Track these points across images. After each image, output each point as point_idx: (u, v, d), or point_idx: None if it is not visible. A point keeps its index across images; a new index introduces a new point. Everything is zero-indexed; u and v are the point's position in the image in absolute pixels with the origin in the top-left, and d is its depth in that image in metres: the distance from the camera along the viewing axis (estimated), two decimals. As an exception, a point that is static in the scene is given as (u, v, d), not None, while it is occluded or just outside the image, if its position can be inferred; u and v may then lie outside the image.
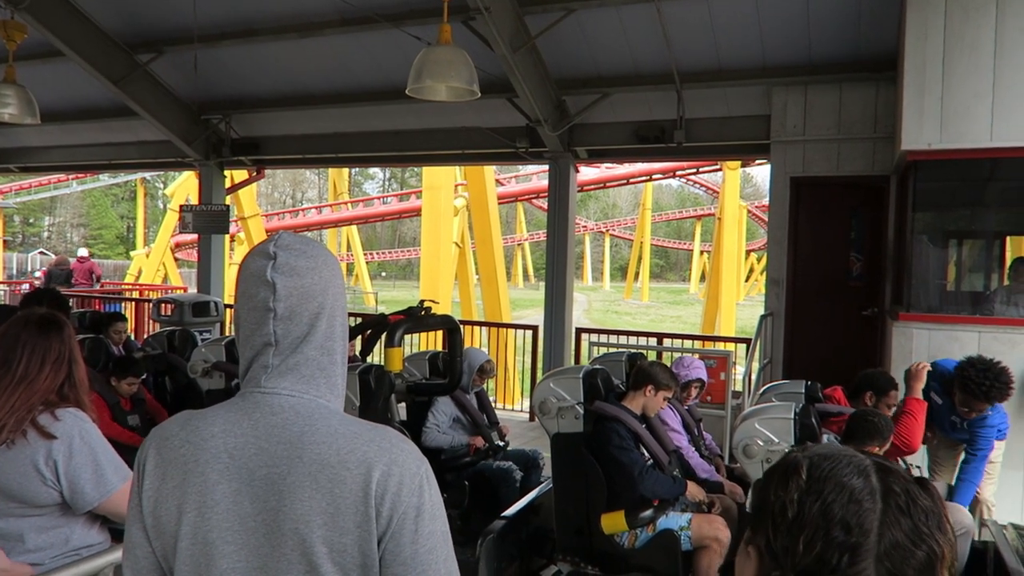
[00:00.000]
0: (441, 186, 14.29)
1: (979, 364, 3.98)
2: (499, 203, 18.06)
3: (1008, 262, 5.87)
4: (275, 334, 1.16)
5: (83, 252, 16.72)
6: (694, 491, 3.67)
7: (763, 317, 7.07)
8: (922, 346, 5.22)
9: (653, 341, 8.83)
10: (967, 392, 3.96)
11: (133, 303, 12.68)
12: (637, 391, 3.67)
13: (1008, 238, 6.17)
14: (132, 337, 9.11)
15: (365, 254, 40.98)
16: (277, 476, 1.09)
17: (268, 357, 1.16)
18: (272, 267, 1.16)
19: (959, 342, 5.11)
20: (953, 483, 4.28)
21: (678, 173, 25.71)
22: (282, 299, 1.16)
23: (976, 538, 3.77)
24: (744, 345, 8.00)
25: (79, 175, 32.68)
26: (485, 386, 5.33)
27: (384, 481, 1.08)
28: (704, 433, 4.56)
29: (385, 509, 1.08)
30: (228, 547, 1.09)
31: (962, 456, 4.50)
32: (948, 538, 0.81)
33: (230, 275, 11.58)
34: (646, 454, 3.58)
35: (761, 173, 62.99)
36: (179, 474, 1.12)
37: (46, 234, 53.17)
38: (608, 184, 29.08)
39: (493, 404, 6.16)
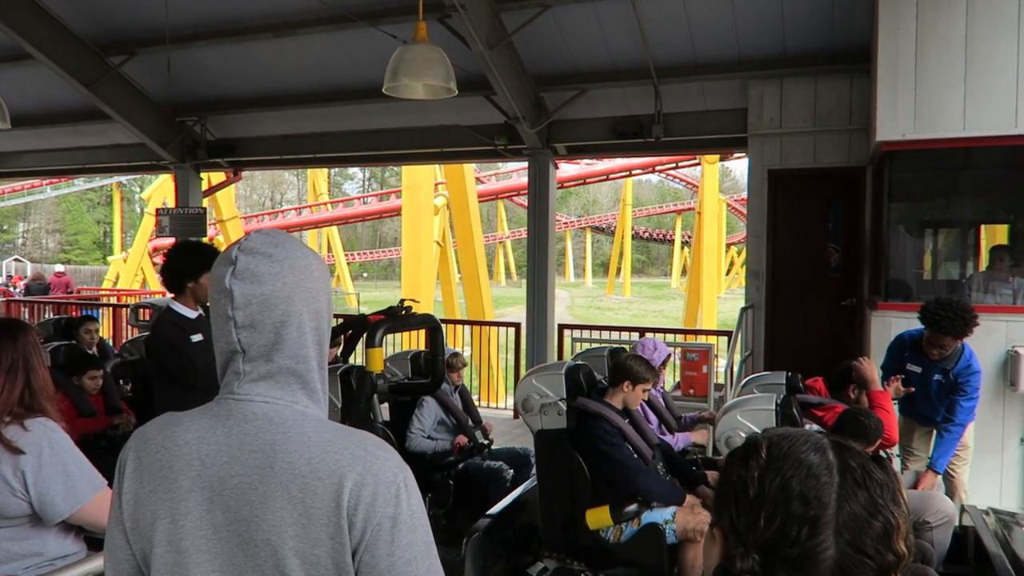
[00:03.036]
0: (421, 185, 14.24)
1: (941, 300, 4.08)
2: (480, 201, 18.03)
3: (983, 250, 5.94)
4: (239, 342, 1.12)
5: (59, 268, 17.64)
6: (692, 507, 3.53)
7: (744, 310, 7.11)
8: (900, 335, 5.27)
9: (635, 336, 8.84)
10: (932, 326, 4.03)
11: (110, 308, 12.51)
12: (616, 387, 3.67)
13: (982, 226, 6.24)
14: (111, 343, 9.01)
15: (346, 255, 40.81)
16: (248, 486, 1.06)
17: (239, 364, 1.13)
18: (231, 273, 1.11)
19: (936, 330, 5.16)
20: (938, 433, 4.27)
21: (657, 168, 25.82)
22: (240, 307, 1.11)
23: (956, 523, 3.81)
24: (725, 338, 8.04)
25: (53, 180, 32.22)
26: (468, 385, 5.31)
27: (357, 491, 1.04)
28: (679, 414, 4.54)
29: (359, 520, 1.04)
30: (202, 556, 1.07)
31: (934, 437, 4.55)
32: (903, 510, 0.84)
33: (209, 278, 11.43)
34: (629, 449, 3.57)
35: (739, 167, 63.56)
36: (154, 479, 1.10)
37: (20, 241, 52.38)
38: (588, 180, 29.19)
39: (477, 403, 6.15)
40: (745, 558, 0.83)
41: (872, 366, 3.97)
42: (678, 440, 4.26)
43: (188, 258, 3.42)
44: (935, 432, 4.34)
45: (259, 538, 1.05)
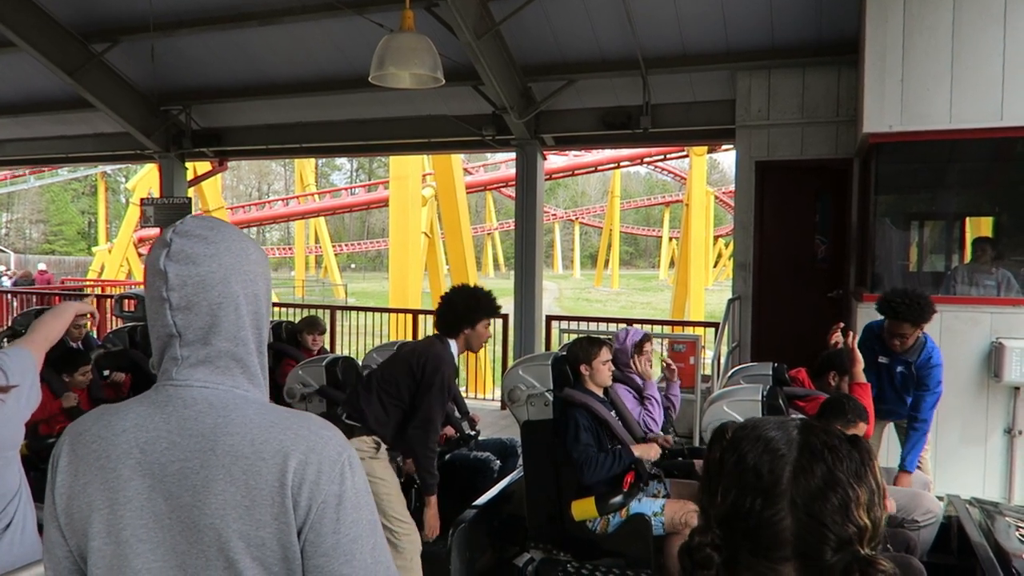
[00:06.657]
0: (408, 176, 14.19)
1: (898, 289, 4.18)
2: (468, 192, 17.99)
3: (968, 242, 5.96)
4: (175, 325, 1.11)
5: (41, 266, 18.12)
6: (645, 452, 3.53)
7: (731, 301, 7.12)
8: (886, 326, 5.29)
9: (623, 327, 8.83)
10: (892, 315, 4.06)
11: (95, 299, 12.40)
12: (579, 377, 3.67)
13: (968, 219, 6.26)
14: (95, 333, 8.94)
15: (334, 246, 40.61)
16: (190, 471, 1.05)
17: (176, 349, 1.11)
18: (166, 255, 1.10)
19: (921, 322, 5.19)
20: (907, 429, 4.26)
21: (646, 160, 25.83)
22: (175, 288, 1.10)
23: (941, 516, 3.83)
24: (713, 329, 8.06)
25: (36, 169, 31.89)
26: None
27: (301, 470, 1.04)
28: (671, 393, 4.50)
29: (303, 499, 1.04)
30: (142, 546, 1.06)
31: (889, 428, 4.57)
32: (867, 484, 0.87)
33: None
34: (588, 441, 3.50)
35: (727, 159, 63.67)
36: (90, 471, 1.08)
37: (3, 231, 51.84)
38: (576, 172, 29.12)
39: (464, 394, 6.14)
40: (705, 532, 0.87)
41: (854, 344, 3.94)
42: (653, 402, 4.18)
43: (468, 303, 3.60)
44: (904, 428, 4.33)
45: (203, 523, 1.04)
